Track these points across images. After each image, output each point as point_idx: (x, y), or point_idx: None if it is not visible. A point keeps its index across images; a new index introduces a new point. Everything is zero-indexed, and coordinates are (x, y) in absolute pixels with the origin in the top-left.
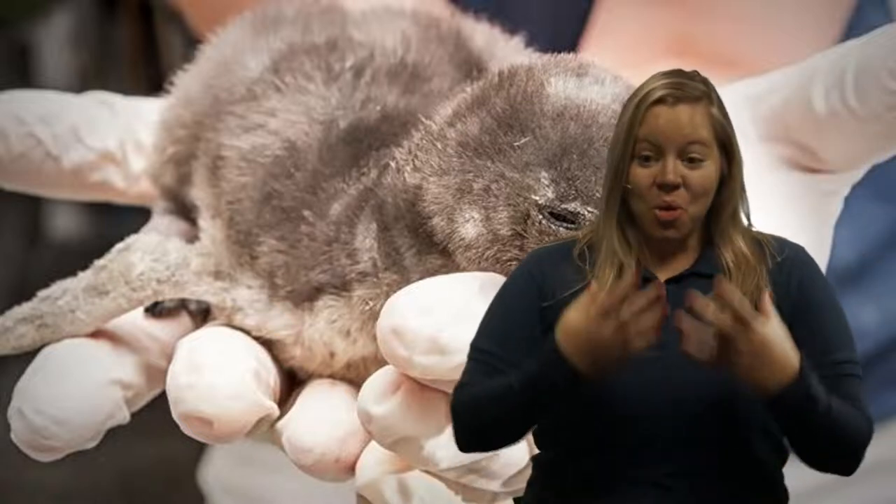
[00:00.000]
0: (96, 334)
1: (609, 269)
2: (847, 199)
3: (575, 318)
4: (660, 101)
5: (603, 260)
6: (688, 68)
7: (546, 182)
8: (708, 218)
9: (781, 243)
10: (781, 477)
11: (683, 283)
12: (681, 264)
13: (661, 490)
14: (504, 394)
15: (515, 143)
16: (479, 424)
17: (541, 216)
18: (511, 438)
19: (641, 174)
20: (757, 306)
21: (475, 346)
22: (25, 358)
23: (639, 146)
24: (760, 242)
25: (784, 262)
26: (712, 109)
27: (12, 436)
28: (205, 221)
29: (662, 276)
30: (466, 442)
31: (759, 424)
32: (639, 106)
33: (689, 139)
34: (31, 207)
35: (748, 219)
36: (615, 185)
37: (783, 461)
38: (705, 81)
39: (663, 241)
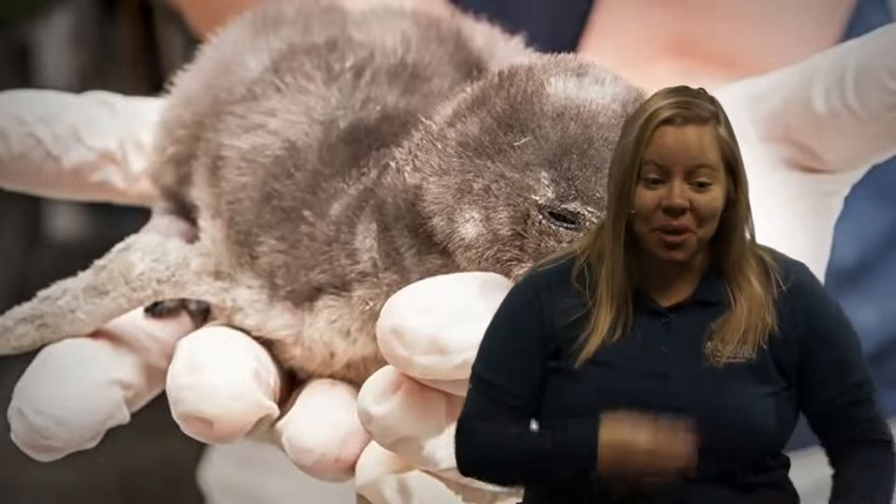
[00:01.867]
0: (96, 334)
1: (608, 300)
2: (847, 199)
3: (627, 436)
4: (667, 121)
5: (603, 290)
6: (687, 68)
7: (546, 182)
8: (712, 242)
9: (787, 268)
10: (789, 483)
11: (686, 311)
12: (682, 290)
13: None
14: (516, 450)
15: (515, 143)
16: (479, 463)
17: (541, 216)
18: (505, 484)
19: (647, 196)
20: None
21: (477, 374)
22: (25, 358)
23: (645, 168)
24: (767, 269)
25: (790, 290)
26: (720, 130)
27: (12, 436)
28: (205, 221)
29: (664, 302)
30: (464, 471)
31: (759, 452)
32: (645, 125)
33: (696, 162)
34: (31, 207)
35: (752, 236)
36: (620, 209)
37: (787, 468)
38: (712, 100)
39: (666, 265)
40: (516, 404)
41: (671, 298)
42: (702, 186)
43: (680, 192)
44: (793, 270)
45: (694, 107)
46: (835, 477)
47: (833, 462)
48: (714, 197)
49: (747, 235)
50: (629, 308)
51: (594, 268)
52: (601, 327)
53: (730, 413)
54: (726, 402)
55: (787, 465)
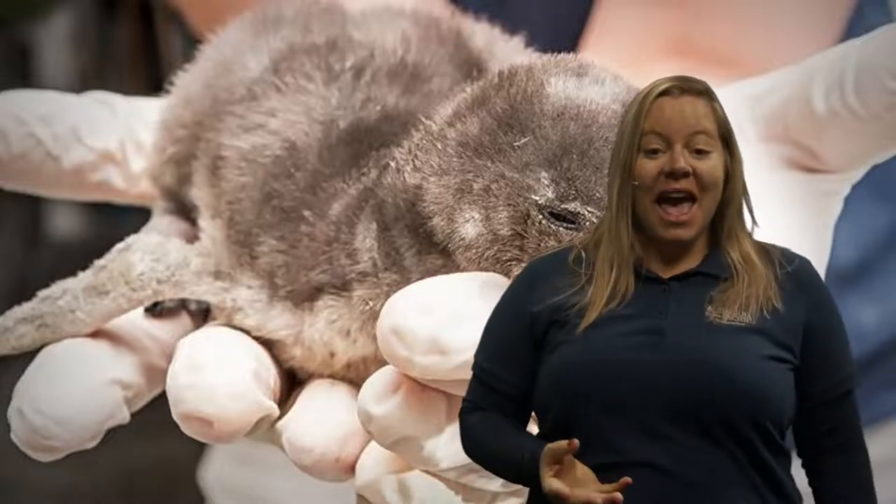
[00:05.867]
0: (96, 334)
1: (608, 270)
2: (847, 199)
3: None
4: (664, 93)
5: (601, 262)
6: (687, 68)
7: (546, 182)
8: (713, 219)
9: (789, 255)
10: (788, 476)
11: (688, 281)
12: (685, 264)
13: (658, 472)
14: (498, 457)
15: (515, 143)
16: (476, 457)
17: (541, 216)
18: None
19: (648, 165)
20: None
21: (476, 361)
22: (25, 358)
23: (645, 139)
24: (767, 250)
25: (795, 273)
26: (715, 104)
27: (12, 436)
28: (205, 221)
29: (666, 274)
30: (468, 455)
31: (755, 411)
32: (644, 100)
33: (695, 129)
34: (31, 207)
35: (753, 220)
36: (624, 182)
37: (786, 458)
38: (706, 84)
39: (670, 245)
40: (508, 392)
41: (673, 271)
42: (701, 154)
43: (681, 156)
44: (796, 258)
45: (689, 81)
46: (820, 488)
47: (812, 470)
48: (714, 165)
49: (748, 221)
50: (629, 276)
51: (591, 253)
52: (600, 295)
53: (725, 367)
54: (722, 356)
55: (787, 456)
